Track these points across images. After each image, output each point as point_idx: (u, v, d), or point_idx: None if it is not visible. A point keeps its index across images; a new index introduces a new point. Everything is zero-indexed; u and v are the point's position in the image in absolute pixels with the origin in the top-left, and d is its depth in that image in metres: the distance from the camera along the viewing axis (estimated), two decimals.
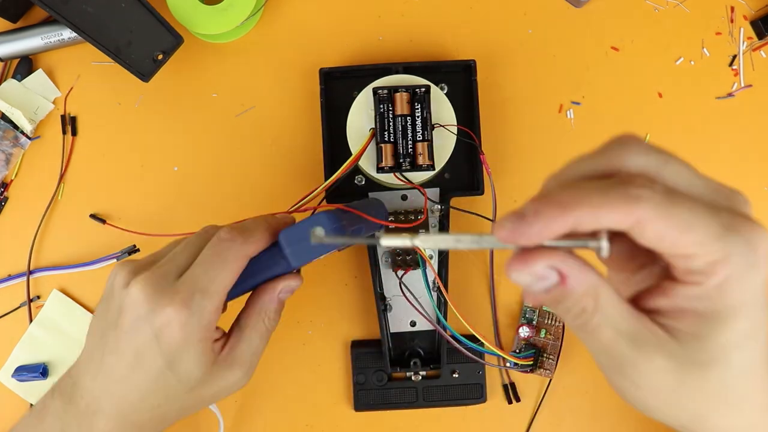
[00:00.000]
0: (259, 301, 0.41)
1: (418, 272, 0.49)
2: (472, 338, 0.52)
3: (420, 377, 0.51)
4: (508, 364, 0.51)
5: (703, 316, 0.26)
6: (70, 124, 0.53)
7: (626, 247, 0.28)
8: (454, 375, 0.51)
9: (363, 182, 0.50)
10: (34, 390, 0.52)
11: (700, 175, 0.27)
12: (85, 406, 0.38)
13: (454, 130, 0.48)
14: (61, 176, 0.53)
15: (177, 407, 0.39)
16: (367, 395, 0.51)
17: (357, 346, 0.52)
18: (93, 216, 0.52)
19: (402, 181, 0.48)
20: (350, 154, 0.48)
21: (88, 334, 0.40)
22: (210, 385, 0.39)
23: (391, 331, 0.50)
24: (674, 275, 0.27)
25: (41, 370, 0.51)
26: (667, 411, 0.28)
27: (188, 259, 0.39)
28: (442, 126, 0.48)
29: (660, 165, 0.27)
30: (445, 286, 0.49)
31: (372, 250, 0.50)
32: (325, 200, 0.49)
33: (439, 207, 0.50)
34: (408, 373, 0.51)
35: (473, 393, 0.51)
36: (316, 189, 0.47)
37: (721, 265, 0.25)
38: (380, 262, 0.50)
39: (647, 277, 0.29)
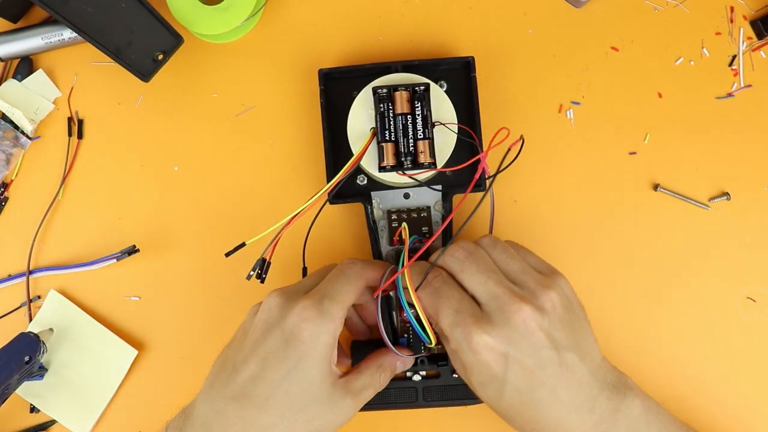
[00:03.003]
0: (381, 358, 0.46)
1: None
2: None
3: (420, 377, 0.51)
4: None
5: (461, 364, 0.43)
6: (77, 126, 0.53)
7: None
8: (454, 375, 0.51)
9: (365, 182, 0.50)
10: (34, 390, 0.52)
11: (484, 284, 0.42)
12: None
13: (455, 127, 0.48)
14: (64, 178, 0.53)
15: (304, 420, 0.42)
16: None
17: (357, 346, 0.52)
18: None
19: (408, 176, 0.48)
20: (351, 154, 0.48)
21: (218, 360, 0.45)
22: (327, 406, 0.42)
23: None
24: None
25: (39, 371, 0.51)
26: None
27: (315, 282, 0.44)
28: (443, 124, 0.48)
29: (457, 272, 0.43)
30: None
31: (376, 252, 0.50)
32: (328, 202, 0.49)
33: (442, 204, 0.50)
34: (408, 373, 0.51)
35: (473, 393, 0.51)
36: (320, 191, 0.47)
37: (450, 340, 0.42)
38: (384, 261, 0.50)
39: None
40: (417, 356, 0.49)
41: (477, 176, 0.46)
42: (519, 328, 0.40)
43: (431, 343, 0.47)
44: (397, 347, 0.47)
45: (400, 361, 0.47)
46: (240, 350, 0.42)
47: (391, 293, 0.49)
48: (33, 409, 0.52)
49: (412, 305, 0.44)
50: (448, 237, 0.49)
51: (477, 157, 0.46)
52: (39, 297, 0.53)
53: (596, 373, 0.42)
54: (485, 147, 0.50)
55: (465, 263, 0.43)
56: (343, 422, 0.43)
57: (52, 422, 0.52)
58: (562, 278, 0.43)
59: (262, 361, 0.41)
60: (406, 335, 0.50)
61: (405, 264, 0.44)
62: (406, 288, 0.44)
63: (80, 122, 0.54)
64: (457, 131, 0.49)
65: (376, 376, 0.45)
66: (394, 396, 0.51)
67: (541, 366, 0.41)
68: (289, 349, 0.41)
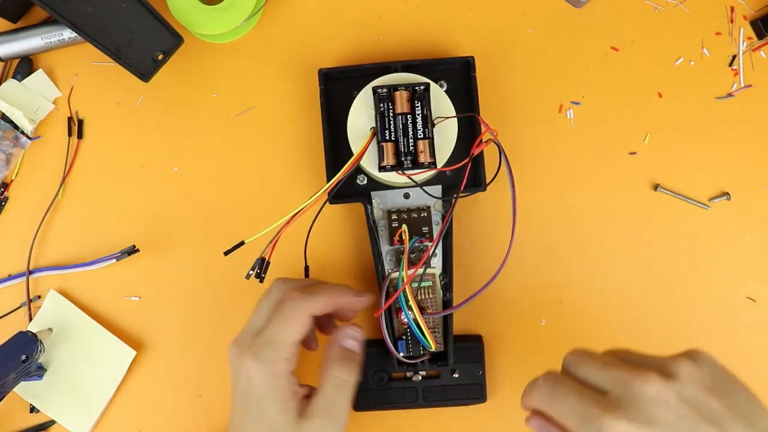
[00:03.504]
0: (326, 353, 0.45)
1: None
2: (472, 338, 0.52)
3: (420, 377, 0.51)
4: None
5: None
6: (77, 126, 0.53)
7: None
8: (454, 375, 0.51)
9: (365, 182, 0.50)
10: (33, 390, 0.52)
11: (605, 370, 0.37)
12: None
13: (455, 126, 0.48)
14: (64, 178, 0.53)
15: None
16: (367, 395, 0.51)
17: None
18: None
19: (408, 177, 0.48)
20: (351, 154, 0.48)
21: None
22: None
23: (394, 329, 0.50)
24: None
25: (38, 371, 0.51)
26: None
27: (263, 320, 0.44)
28: (443, 118, 0.48)
29: (575, 364, 0.39)
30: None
31: (376, 252, 0.50)
32: (327, 201, 0.49)
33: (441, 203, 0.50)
34: (408, 373, 0.51)
35: (473, 393, 0.51)
36: (320, 191, 0.47)
37: None
38: (384, 261, 0.50)
39: None
40: (407, 358, 0.49)
41: (467, 173, 0.47)
42: (656, 402, 0.35)
43: (432, 347, 0.47)
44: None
45: (343, 332, 0.45)
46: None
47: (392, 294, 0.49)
48: (33, 410, 0.52)
49: (411, 308, 0.44)
50: (448, 237, 0.49)
51: (467, 160, 0.46)
52: (39, 297, 0.53)
53: None
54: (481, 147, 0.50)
55: (577, 364, 0.39)
56: None
57: (52, 422, 0.52)
58: (700, 351, 0.38)
59: (236, 416, 0.43)
60: (404, 337, 0.50)
61: (405, 275, 0.44)
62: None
63: (80, 122, 0.54)
64: (457, 126, 0.49)
65: (332, 377, 0.43)
66: (394, 396, 0.51)
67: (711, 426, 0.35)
68: (248, 400, 0.42)
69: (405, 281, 0.45)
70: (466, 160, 0.47)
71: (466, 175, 0.47)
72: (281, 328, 0.43)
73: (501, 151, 0.46)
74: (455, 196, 0.48)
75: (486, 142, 0.46)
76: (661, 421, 0.34)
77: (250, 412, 0.42)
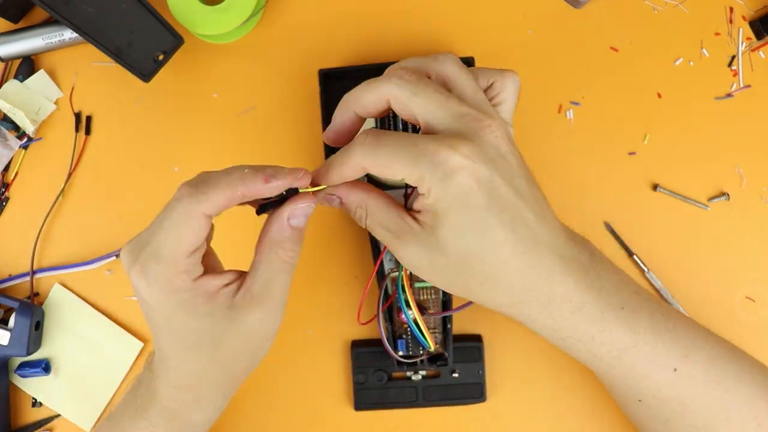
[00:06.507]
0: (267, 233, 0.38)
1: None
2: (472, 338, 0.52)
3: (420, 377, 0.51)
4: None
5: (434, 214, 0.36)
6: (85, 122, 0.54)
7: None
8: (454, 375, 0.51)
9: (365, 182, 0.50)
10: (38, 385, 0.52)
11: (444, 104, 0.36)
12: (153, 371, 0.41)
13: None
14: (70, 175, 0.53)
15: (219, 357, 0.38)
16: (367, 395, 0.51)
17: (357, 345, 0.52)
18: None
19: None
20: None
21: None
22: (233, 333, 0.37)
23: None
24: None
25: (44, 366, 0.51)
26: (444, 285, 0.39)
27: (155, 225, 0.37)
28: None
29: (409, 96, 0.36)
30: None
31: (375, 251, 0.50)
32: None
33: None
34: (408, 373, 0.51)
35: (473, 393, 0.51)
36: (320, 189, 0.47)
37: (419, 183, 0.35)
38: (384, 260, 0.50)
39: None
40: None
41: None
42: (493, 145, 0.36)
43: (431, 347, 0.47)
44: None
45: (291, 207, 0.38)
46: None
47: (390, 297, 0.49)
48: (35, 404, 0.52)
49: (410, 307, 0.44)
50: None
51: None
52: (38, 294, 0.53)
53: (561, 229, 0.40)
54: None
55: (419, 84, 0.37)
56: (270, 326, 0.38)
57: (56, 416, 0.52)
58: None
59: (153, 333, 0.39)
60: (404, 336, 0.50)
61: (404, 274, 0.44)
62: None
63: (88, 119, 0.54)
64: None
65: (274, 258, 0.38)
66: (394, 396, 0.51)
67: (522, 197, 0.36)
68: (155, 318, 0.38)
69: (405, 280, 0.45)
70: None
71: None
72: (168, 236, 0.36)
73: None
74: None
75: None
76: (498, 165, 0.35)
77: (166, 328, 0.37)
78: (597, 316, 0.39)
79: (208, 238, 0.38)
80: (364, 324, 0.48)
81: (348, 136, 0.41)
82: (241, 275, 0.39)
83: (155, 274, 0.36)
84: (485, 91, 0.40)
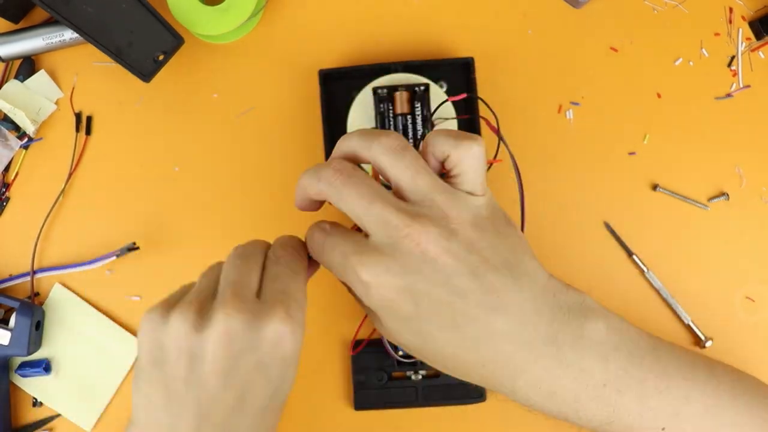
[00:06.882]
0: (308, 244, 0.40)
1: None
2: None
3: (420, 377, 0.51)
4: None
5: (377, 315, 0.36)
6: (86, 122, 0.54)
7: None
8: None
9: None
10: (38, 385, 0.52)
11: (367, 210, 0.34)
12: None
13: (454, 127, 0.49)
14: (70, 175, 0.53)
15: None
16: (367, 395, 0.51)
17: (357, 345, 0.52)
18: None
19: None
20: None
21: (135, 408, 0.36)
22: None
23: None
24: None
25: (44, 366, 0.52)
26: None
27: (255, 277, 0.36)
28: (443, 119, 0.48)
29: (336, 201, 0.35)
30: None
31: None
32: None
33: None
34: (408, 373, 0.51)
35: (473, 393, 0.51)
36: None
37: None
38: None
39: None
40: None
41: None
42: (414, 254, 0.33)
43: None
44: None
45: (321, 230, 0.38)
46: (180, 392, 0.34)
47: None
48: (35, 403, 0.52)
49: None
50: None
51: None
52: (38, 294, 0.53)
53: (543, 296, 0.36)
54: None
55: (343, 189, 0.35)
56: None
57: (56, 416, 0.52)
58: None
59: (235, 398, 0.34)
60: None
61: None
62: None
63: (89, 119, 0.54)
64: (457, 127, 0.49)
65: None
66: (394, 395, 0.51)
67: (461, 296, 0.34)
68: (271, 370, 0.34)
69: None
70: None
71: None
72: (297, 283, 0.37)
73: (514, 164, 0.45)
74: None
75: (496, 159, 0.46)
76: (422, 273, 0.33)
77: (261, 393, 0.34)
78: (571, 399, 0.37)
79: None
80: (353, 353, 0.49)
81: (315, 205, 0.39)
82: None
83: (299, 317, 0.35)
84: (444, 162, 0.37)
